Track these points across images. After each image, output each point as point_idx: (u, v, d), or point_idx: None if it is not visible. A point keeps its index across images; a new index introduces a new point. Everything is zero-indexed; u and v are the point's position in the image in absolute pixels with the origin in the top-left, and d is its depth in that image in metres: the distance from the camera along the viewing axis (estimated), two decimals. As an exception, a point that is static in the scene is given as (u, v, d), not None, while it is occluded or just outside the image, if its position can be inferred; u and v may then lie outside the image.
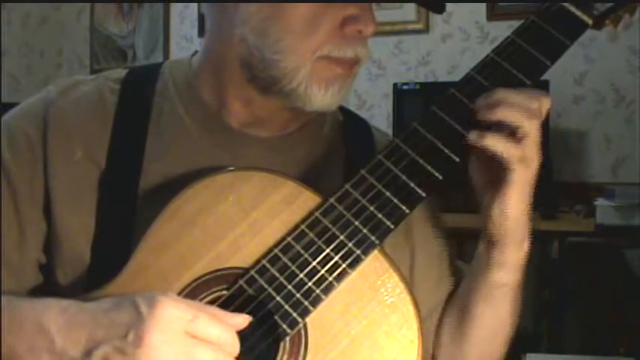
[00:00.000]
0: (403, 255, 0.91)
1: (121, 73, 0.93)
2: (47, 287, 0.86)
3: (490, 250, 0.84)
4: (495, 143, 0.77)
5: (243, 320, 0.72)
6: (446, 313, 0.93)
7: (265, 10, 0.82)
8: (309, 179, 0.84)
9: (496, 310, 0.88)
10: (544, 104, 0.79)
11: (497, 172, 0.79)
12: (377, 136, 0.98)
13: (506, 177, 0.79)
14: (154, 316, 0.67)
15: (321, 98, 0.83)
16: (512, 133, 0.78)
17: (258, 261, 0.77)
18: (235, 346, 0.70)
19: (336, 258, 0.76)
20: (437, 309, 0.93)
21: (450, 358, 0.92)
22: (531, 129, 0.77)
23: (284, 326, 0.74)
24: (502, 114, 0.77)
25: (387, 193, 0.78)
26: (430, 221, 0.94)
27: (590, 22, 0.83)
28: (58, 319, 0.72)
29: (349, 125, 0.98)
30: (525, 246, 0.84)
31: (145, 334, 0.67)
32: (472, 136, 0.78)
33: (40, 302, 0.76)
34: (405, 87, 3.02)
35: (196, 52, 0.94)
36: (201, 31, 3.62)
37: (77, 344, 0.70)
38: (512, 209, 0.80)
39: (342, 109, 0.98)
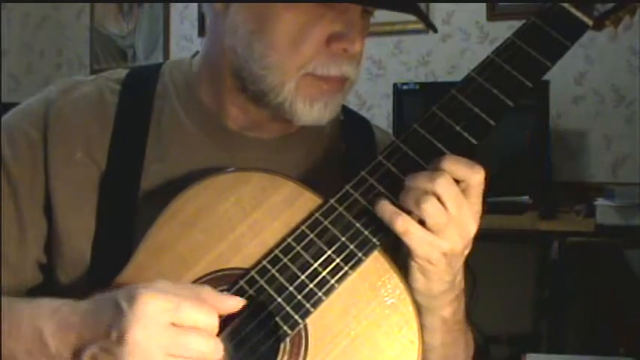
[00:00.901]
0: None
1: (121, 73, 0.93)
2: (48, 287, 0.86)
3: None
4: (385, 214, 0.74)
5: (237, 302, 0.71)
6: None
7: (251, 24, 0.82)
8: (309, 179, 0.84)
9: None
10: (466, 177, 0.74)
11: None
12: (378, 135, 0.98)
13: (409, 254, 0.76)
14: (135, 311, 0.66)
15: (307, 113, 0.83)
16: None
17: (258, 262, 0.77)
18: (216, 325, 0.69)
19: (337, 259, 0.76)
20: None
21: None
22: (423, 213, 0.73)
23: (285, 327, 0.74)
24: (400, 198, 0.75)
25: (388, 194, 0.78)
26: None
27: (590, 23, 0.84)
28: (51, 322, 0.72)
29: (350, 124, 0.97)
30: (446, 312, 0.81)
31: (127, 331, 0.66)
32: (381, 208, 0.75)
33: (36, 304, 0.76)
34: (405, 87, 3.02)
35: (197, 52, 0.94)
36: (201, 31, 3.62)
37: (68, 346, 0.70)
38: (415, 283, 0.77)
39: (343, 109, 0.98)
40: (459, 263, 0.78)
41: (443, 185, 0.73)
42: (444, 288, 0.78)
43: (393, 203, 0.75)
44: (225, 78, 0.87)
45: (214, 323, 0.69)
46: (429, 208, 0.72)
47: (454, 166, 0.74)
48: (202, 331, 0.68)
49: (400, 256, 0.78)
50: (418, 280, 0.77)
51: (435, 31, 0.88)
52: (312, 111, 0.83)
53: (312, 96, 0.82)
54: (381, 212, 0.75)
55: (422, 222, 0.74)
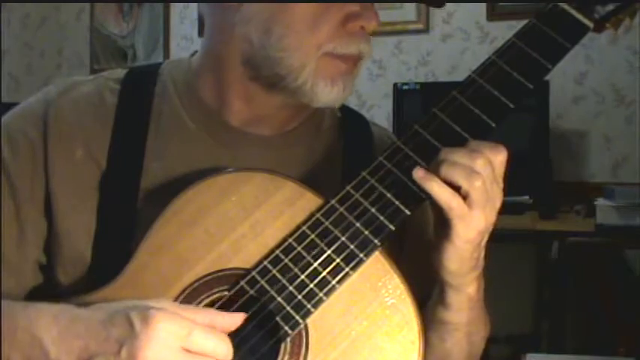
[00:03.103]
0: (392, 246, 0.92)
1: (120, 73, 0.93)
2: (48, 287, 0.86)
3: (436, 289, 0.84)
4: (438, 190, 0.76)
5: (239, 319, 0.72)
6: None
7: (267, 10, 0.82)
8: (309, 176, 0.85)
9: (443, 341, 0.86)
10: (492, 158, 0.76)
11: (444, 221, 0.78)
12: (375, 131, 0.99)
13: (447, 231, 0.77)
14: (148, 333, 0.66)
15: (327, 94, 0.84)
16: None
17: (259, 262, 0.77)
18: (229, 355, 0.70)
19: (338, 259, 0.76)
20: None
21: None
22: (472, 189, 0.75)
23: (285, 327, 0.74)
24: (444, 172, 0.76)
25: (389, 195, 0.78)
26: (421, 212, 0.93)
27: (590, 25, 0.84)
28: (51, 329, 0.72)
29: (347, 121, 0.98)
30: (470, 289, 0.82)
31: (138, 352, 0.66)
32: (419, 174, 0.77)
33: (34, 309, 0.75)
34: (405, 87, 3.02)
35: (195, 52, 0.94)
36: (201, 31, 3.61)
37: (71, 354, 0.70)
38: (449, 264, 0.78)
39: (340, 106, 0.99)
40: (485, 240, 0.80)
41: (482, 165, 0.75)
42: (472, 265, 0.80)
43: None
44: (232, 69, 0.87)
45: (224, 351, 0.69)
46: (480, 186, 0.75)
47: (481, 147, 0.77)
48: (211, 358, 0.68)
49: (418, 243, 0.81)
50: (454, 261, 0.78)
51: (437, 5, 0.89)
52: (332, 92, 0.84)
53: (332, 77, 0.83)
54: (438, 195, 0.76)
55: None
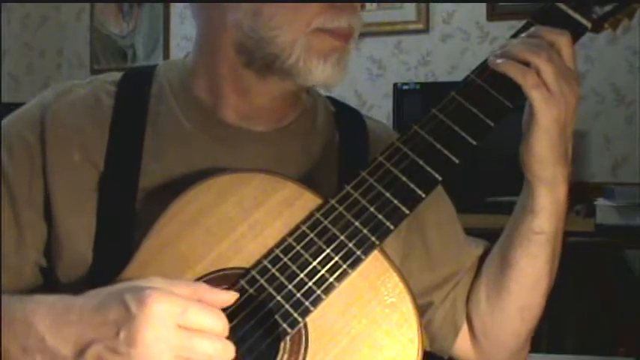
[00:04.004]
0: (413, 235, 0.94)
1: (116, 75, 0.94)
2: (48, 290, 0.86)
3: (526, 196, 0.86)
4: (510, 67, 0.79)
5: (231, 297, 0.72)
6: (484, 267, 0.95)
7: None
8: (306, 171, 0.85)
9: (534, 259, 0.89)
10: (553, 38, 0.80)
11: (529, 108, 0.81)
12: (370, 124, 0.99)
13: (533, 114, 0.80)
14: (145, 313, 0.66)
15: (322, 70, 0.84)
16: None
17: (259, 261, 0.77)
18: (226, 328, 0.70)
19: (337, 258, 0.76)
20: (467, 272, 0.96)
21: (490, 313, 0.93)
22: (539, 61, 0.78)
23: (284, 326, 0.74)
24: (509, 54, 0.80)
25: (387, 194, 0.78)
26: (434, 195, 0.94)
27: (588, 25, 0.84)
28: (46, 318, 0.71)
29: (341, 115, 0.99)
30: (560, 192, 0.85)
31: (137, 333, 0.66)
32: (492, 60, 0.81)
33: (30, 300, 0.75)
34: (405, 87, 3.02)
35: (188, 53, 0.95)
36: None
37: (67, 343, 0.69)
38: (538, 149, 0.81)
39: (333, 100, 1.00)
40: (569, 131, 0.82)
41: (543, 43, 0.80)
42: (561, 152, 0.82)
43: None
44: (225, 61, 0.87)
45: (220, 326, 0.69)
46: (546, 56, 0.79)
47: (541, 30, 0.82)
48: (209, 334, 0.68)
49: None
50: (543, 144, 0.81)
51: None
52: (326, 67, 0.84)
53: (324, 52, 0.84)
54: (510, 71, 0.79)
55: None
